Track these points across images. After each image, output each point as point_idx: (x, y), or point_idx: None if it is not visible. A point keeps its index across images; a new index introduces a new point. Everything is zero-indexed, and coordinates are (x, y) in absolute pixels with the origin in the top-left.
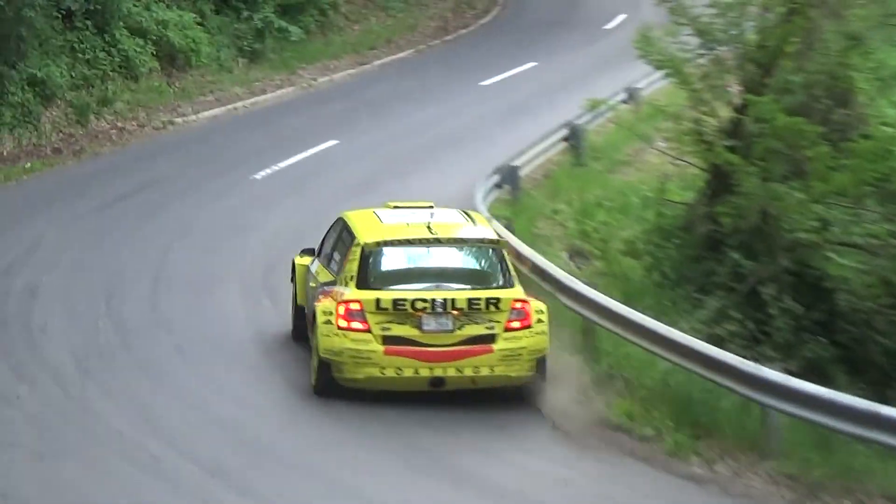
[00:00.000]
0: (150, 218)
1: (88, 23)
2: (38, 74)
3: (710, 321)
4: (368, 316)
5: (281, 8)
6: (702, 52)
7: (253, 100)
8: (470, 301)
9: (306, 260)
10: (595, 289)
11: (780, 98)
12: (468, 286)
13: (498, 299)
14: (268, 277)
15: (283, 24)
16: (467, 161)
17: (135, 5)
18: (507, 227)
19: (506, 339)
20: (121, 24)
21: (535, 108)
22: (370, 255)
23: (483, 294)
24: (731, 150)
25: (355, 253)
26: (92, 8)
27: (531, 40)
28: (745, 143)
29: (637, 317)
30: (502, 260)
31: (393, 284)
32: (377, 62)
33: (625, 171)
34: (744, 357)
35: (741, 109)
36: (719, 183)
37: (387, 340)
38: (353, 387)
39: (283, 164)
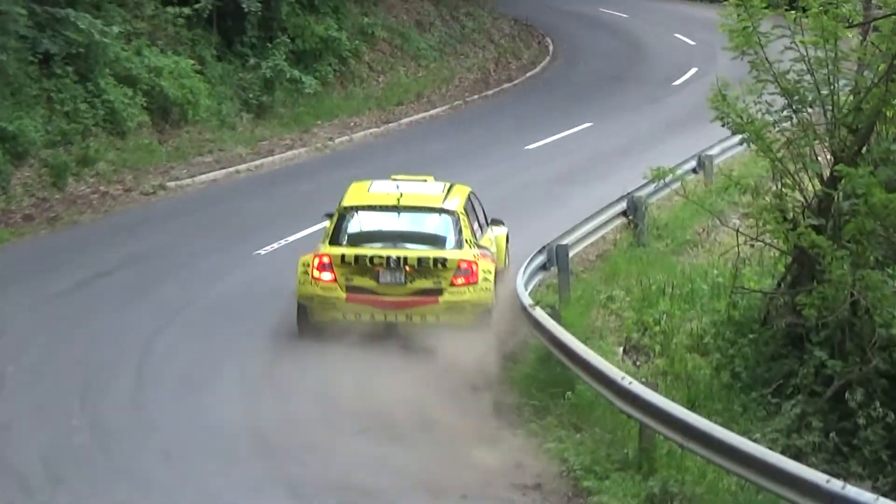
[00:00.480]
0: (134, 299)
1: (69, 69)
2: (9, 128)
3: (788, 430)
4: (335, 268)
5: (294, 55)
6: (787, 114)
7: (258, 162)
8: (419, 259)
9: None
10: (654, 390)
11: (877, 170)
12: (422, 246)
13: (445, 259)
14: (271, 370)
15: (296, 73)
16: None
17: (123, 49)
18: (553, 316)
19: (451, 293)
20: (106, 70)
21: (589, 176)
22: (343, 217)
23: (431, 254)
24: (818, 230)
25: (335, 215)
26: (74, 52)
27: (586, 97)
28: (835, 222)
29: (702, 424)
30: (456, 226)
31: (358, 243)
32: (405, 120)
33: (692, 252)
34: (827, 474)
35: (831, 183)
36: (803, 269)
37: (349, 289)
38: (322, 327)
39: (291, 239)
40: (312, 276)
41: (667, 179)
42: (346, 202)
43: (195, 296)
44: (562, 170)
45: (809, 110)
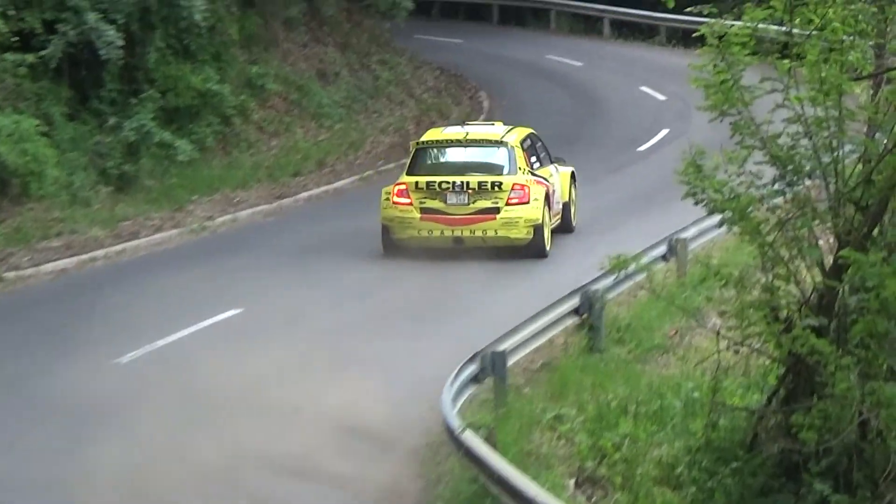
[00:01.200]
0: None
1: None
2: None
3: None
4: (411, 194)
5: (164, 113)
6: (779, 188)
7: (120, 247)
8: (479, 183)
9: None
10: None
11: (891, 257)
12: (481, 173)
13: (501, 182)
14: None
15: (167, 136)
16: (431, 345)
17: None
18: (487, 441)
19: (507, 210)
20: None
21: (533, 266)
22: (417, 152)
23: (489, 178)
24: (819, 332)
25: (411, 151)
26: None
27: None
28: (840, 322)
29: None
30: (511, 156)
31: (430, 172)
32: (303, 194)
33: (661, 360)
34: None
35: (835, 273)
36: (800, 380)
37: (423, 211)
38: (400, 245)
39: (161, 343)
40: (392, 201)
41: (629, 269)
42: (421, 141)
43: (37, 414)
44: (498, 256)
45: (807, 183)
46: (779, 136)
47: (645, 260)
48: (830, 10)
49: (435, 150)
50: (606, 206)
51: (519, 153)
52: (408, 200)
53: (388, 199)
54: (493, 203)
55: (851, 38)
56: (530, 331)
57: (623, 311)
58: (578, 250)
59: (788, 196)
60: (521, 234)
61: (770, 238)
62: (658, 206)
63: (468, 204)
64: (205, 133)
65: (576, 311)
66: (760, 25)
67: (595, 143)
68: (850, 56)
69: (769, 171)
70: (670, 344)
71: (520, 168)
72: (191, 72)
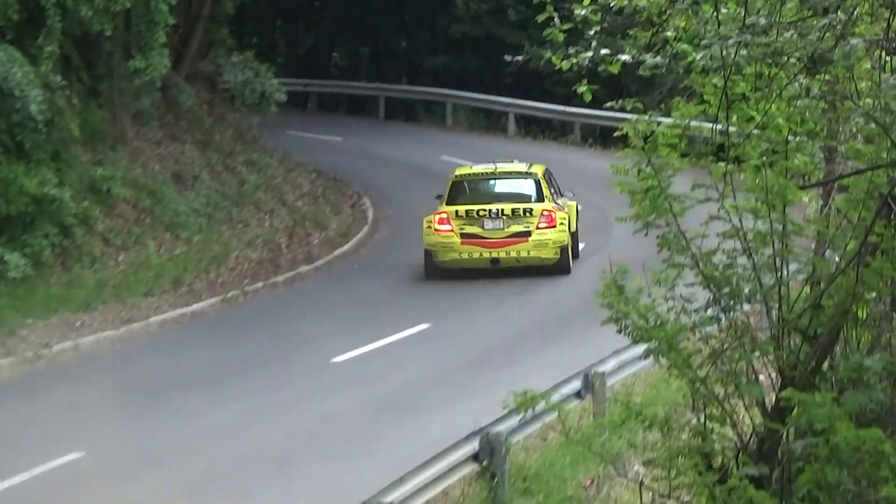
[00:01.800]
0: None
1: None
2: None
3: None
4: (452, 221)
5: None
6: (713, 314)
7: None
8: (513, 210)
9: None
10: None
11: (843, 396)
12: (513, 202)
13: (531, 209)
14: None
15: None
16: (303, 496)
17: None
18: None
19: (537, 234)
20: None
21: (426, 403)
22: (453, 185)
23: (521, 206)
24: (759, 482)
25: (448, 184)
26: None
27: (420, 285)
28: (783, 471)
29: None
30: (537, 186)
31: (466, 202)
32: (156, 318)
33: None
34: None
35: (777, 414)
36: None
37: (463, 236)
38: (443, 266)
39: None
40: (434, 228)
41: (537, 409)
42: (455, 174)
43: None
44: (385, 393)
45: (746, 308)
46: (713, 252)
47: (556, 397)
48: (773, 107)
49: (470, 183)
50: (512, 333)
51: (543, 184)
52: (449, 227)
53: (429, 226)
54: (525, 227)
55: (798, 138)
56: (420, 480)
57: (531, 457)
58: (480, 383)
59: (724, 323)
60: (550, 254)
61: (702, 372)
62: (573, 334)
63: (503, 228)
64: (41, 245)
65: (475, 458)
66: (692, 123)
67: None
68: (796, 160)
69: (702, 295)
70: (585, 496)
71: (545, 196)
72: (24, 173)
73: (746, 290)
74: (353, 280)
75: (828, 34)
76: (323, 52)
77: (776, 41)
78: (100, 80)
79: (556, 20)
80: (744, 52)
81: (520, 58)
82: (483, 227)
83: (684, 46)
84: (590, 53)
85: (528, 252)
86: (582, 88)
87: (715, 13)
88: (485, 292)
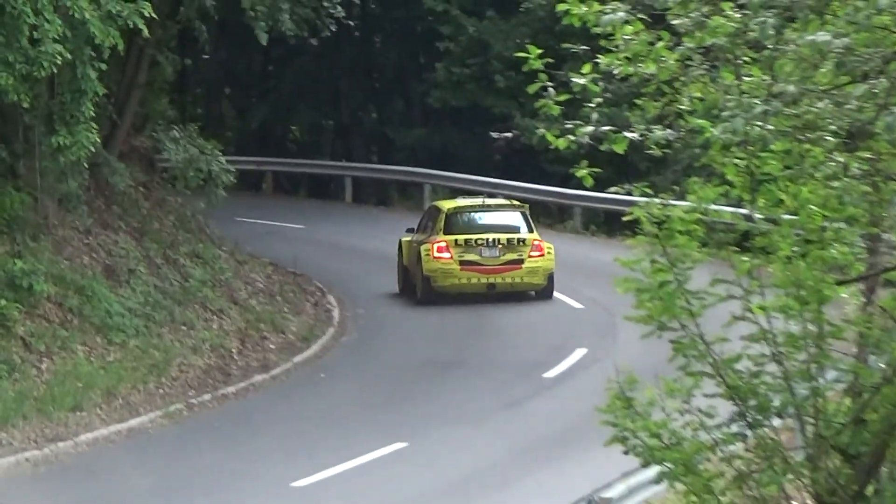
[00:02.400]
0: None
1: None
2: None
3: None
4: (451, 249)
5: None
6: (737, 430)
7: None
8: (508, 239)
9: (408, 237)
10: None
11: None
12: (505, 232)
13: (524, 239)
14: None
15: None
16: None
17: None
18: None
19: (529, 261)
20: None
21: None
22: (448, 216)
23: (515, 236)
24: None
25: (441, 217)
26: None
27: (396, 398)
28: None
29: None
30: (526, 219)
31: (463, 232)
32: (86, 436)
33: None
34: None
35: None
36: None
37: (462, 263)
38: (441, 291)
39: None
40: (433, 255)
41: None
42: (449, 207)
43: None
44: None
45: (776, 423)
46: (737, 359)
47: None
48: (806, 189)
49: (464, 215)
50: (503, 452)
51: (529, 216)
52: (448, 255)
53: (428, 254)
54: (518, 255)
55: (835, 225)
56: None
57: None
58: None
59: (751, 441)
60: (540, 280)
61: (726, 499)
62: (573, 452)
63: (499, 256)
64: None
65: None
66: (712, 208)
67: (484, 370)
68: (833, 250)
69: (724, 408)
70: None
71: (532, 228)
72: None
73: (776, 403)
74: (317, 391)
75: (868, 104)
76: (279, 124)
77: (808, 112)
78: (18, 159)
79: (551, 90)
80: (771, 124)
81: (509, 134)
82: (481, 255)
83: (700, 121)
84: (590, 129)
85: (522, 278)
86: (581, 172)
87: (737, 80)
88: (470, 404)
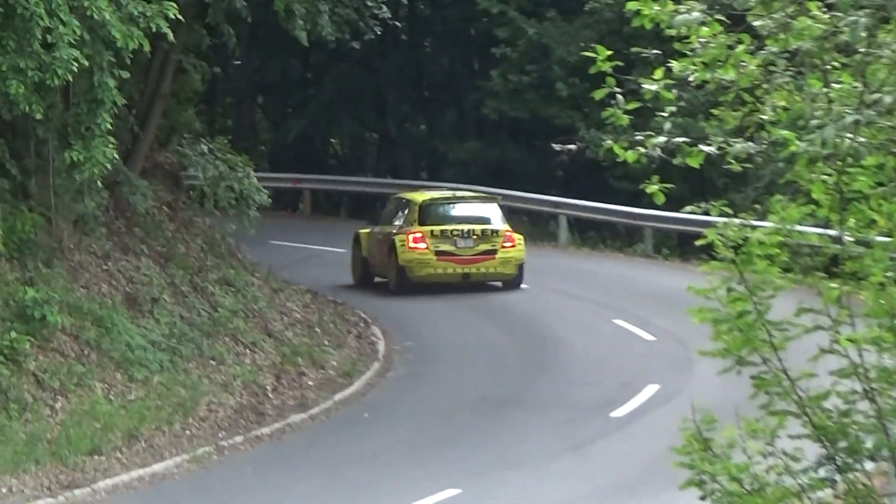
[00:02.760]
0: None
1: None
2: None
3: None
4: (427, 240)
5: None
6: (826, 475)
7: None
8: (482, 230)
9: (367, 229)
10: None
11: None
12: (478, 224)
13: (497, 230)
14: None
15: None
16: None
17: None
18: None
19: (502, 252)
20: None
21: None
22: (423, 207)
23: (489, 227)
24: None
25: (415, 208)
26: None
27: (448, 440)
28: None
29: None
30: (498, 211)
31: (438, 223)
32: (104, 482)
33: None
34: None
35: None
36: None
37: (438, 253)
38: (417, 281)
39: None
40: (409, 246)
41: None
42: (423, 199)
43: None
44: None
45: (868, 467)
46: (825, 396)
47: None
48: None
49: (438, 207)
50: (565, 499)
51: (500, 209)
52: (424, 245)
53: (403, 244)
54: (491, 246)
55: None
56: None
57: None
58: None
59: (840, 487)
60: (512, 270)
61: None
62: (645, 501)
63: (473, 247)
64: None
65: None
66: (797, 229)
67: (545, 408)
68: None
69: (811, 450)
70: None
71: (504, 220)
72: None
73: (869, 445)
74: (361, 432)
75: None
76: (318, 137)
77: None
78: (30, 176)
79: (620, 98)
80: (862, 136)
81: (573, 146)
82: (456, 246)
83: (785, 132)
84: (662, 140)
85: (495, 268)
86: (652, 188)
87: (825, 87)
88: (530, 446)
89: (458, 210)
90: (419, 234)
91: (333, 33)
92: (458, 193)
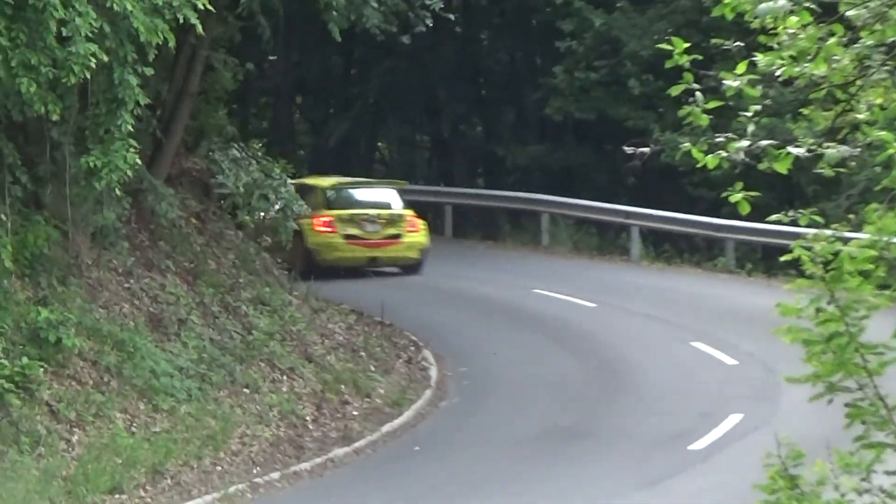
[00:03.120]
0: None
1: None
2: None
3: None
4: (335, 224)
5: None
6: None
7: None
8: (389, 215)
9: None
10: None
11: None
12: (383, 209)
13: (402, 215)
14: None
15: None
16: None
17: None
18: None
19: (407, 237)
20: None
21: None
22: (330, 192)
23: (395, 212)
24: None
25: (319, 193)
26: None
27: (509, 477)
28: None
29: None
30: (401, 196)
31: (345, 207)
32: None
33: None
34: None
35: None
36: None
37: (346, 237)
38: (325, 265)
39: None
40: (317, 229)
41: None
42: (329, 184)
43: None
44: None
45: None
46: None
47: None
48: None
49: (344, 191)
50: None
51: (401, 194)
52: (331, 229)
53: (311, 228)
54: (396, 231)
55: None
56: None
57: None
58: None
59: None
60: (415, 254)
61: None
62: None
63: (380, 231)
64: None
65: None
66: (895, 241)
67: (616, 441)
68: None
69: None
70: None
71: (406, 206)
72: None
73: None
74: (411, 467)
75: None
76: (363, 141)
77: None
78: (44, 185)
79: (698, 95)
80: None
81: (646, 149)
82: (363, 230)
83: (882, 133)
84: (746, 144)
85: (401, 253)
86: (736, 196)
87: None
88: (599, 483)
89: (363, 195)
90: (328, 219)
91: (381, 26)
92: (365, 179)
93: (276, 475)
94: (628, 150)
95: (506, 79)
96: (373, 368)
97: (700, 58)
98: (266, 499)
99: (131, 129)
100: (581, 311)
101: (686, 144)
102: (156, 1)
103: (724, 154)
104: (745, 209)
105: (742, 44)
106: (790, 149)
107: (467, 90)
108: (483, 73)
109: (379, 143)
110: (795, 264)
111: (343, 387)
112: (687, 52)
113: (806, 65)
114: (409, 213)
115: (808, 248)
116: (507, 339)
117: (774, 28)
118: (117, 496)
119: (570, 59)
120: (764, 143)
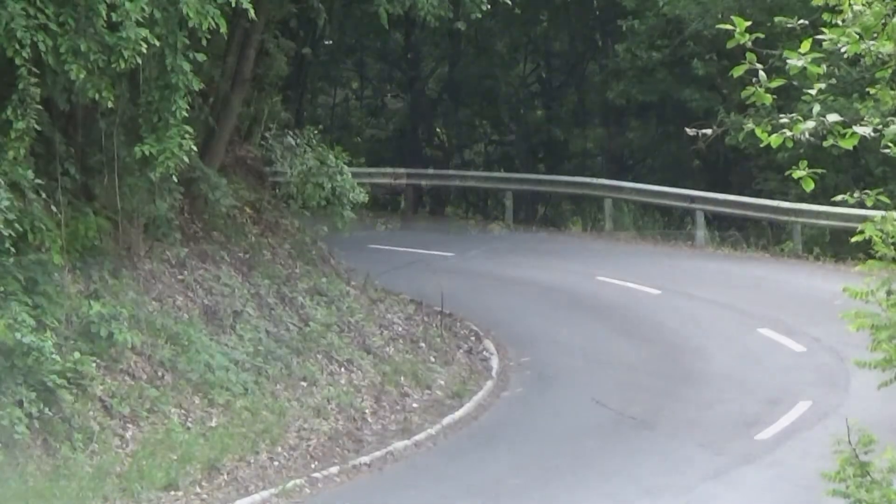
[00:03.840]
0: None
1: None
2: None
3: None
4: None
5: None
6: None
7: None
8: None
9: None
10: None
11: None
12: None
13: None
14: None
15: None
16: None
17: None
18: None
19: None
20: None
21: None
22: None
23: None
24: None
25: None
26: None
27: (578, 466)
28: None
29: None
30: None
31: None
32: None
33: None
34: None
35: None
36: None
37: None
38: None
39: None
40: None
41: None
42: None
43: None
44: None
45: None
46: None
47: None
48: None
49: None
50: None
51: None
52: None
53: None
54: None
55: None
56: None
57: None
58: None
59: None
60: None
61: None
62: None
63: None
64: (12, 417)
65: None
66: None
67: (681, 431)
68: None
69: None
70: None
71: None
72: None
73: None
74: (473, 460)
75: None
76: (421, 126)
77: None
78: (94, 175)
79: (762, 74)
80: None
81: (708, 131)
82: None
83: None
84: (811, 125)
85: None
86: (800, 173)
87: None
88: (665, 475)
89: None
90: None
91: (434, 12)
92: None
93: (334, 469)
94: (691, 132)
95: (566, 60)
96: (433, 359)
97: (763, 36)
98: (324, 493)
99: (185, 115)
100: (645, 298)
101: (749, 125)
102: None
103: (787, 133)
104: (809, 185)
105: (806, 21)
106: (856, 128)
107: (527, 73)
108: (543, 55)
109: (437, 129)
110: (865, 247)
111: (402, 378)
112: (749, 31)
113: (872, 42)
114: None
115: (880, 230)
116: (569, 328)
117: (839, 5)
118: (172, 493)
119: (633, 39)
120: (831, 117)
